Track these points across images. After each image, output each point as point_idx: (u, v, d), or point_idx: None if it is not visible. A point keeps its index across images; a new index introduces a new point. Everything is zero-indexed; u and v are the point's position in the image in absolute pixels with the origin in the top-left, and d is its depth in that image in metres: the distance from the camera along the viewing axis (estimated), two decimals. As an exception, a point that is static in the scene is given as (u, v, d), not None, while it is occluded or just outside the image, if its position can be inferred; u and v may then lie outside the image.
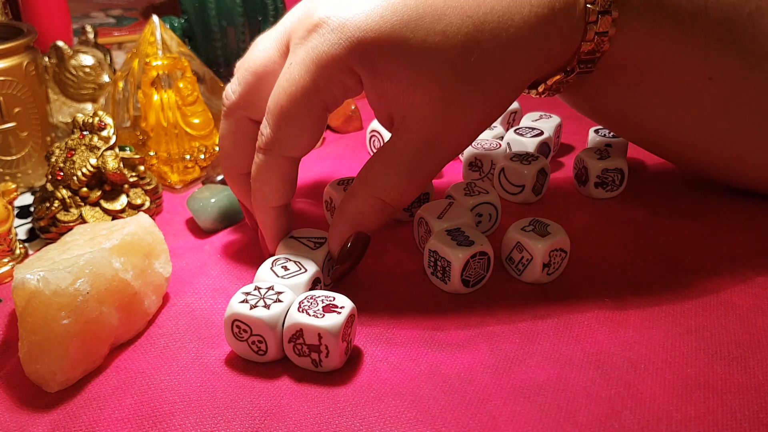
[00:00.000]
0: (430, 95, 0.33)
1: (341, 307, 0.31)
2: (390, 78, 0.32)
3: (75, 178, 0.42)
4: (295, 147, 0.34)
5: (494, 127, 0.50)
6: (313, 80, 0.32)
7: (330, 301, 0.31)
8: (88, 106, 0.55)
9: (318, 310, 0.31)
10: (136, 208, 0.44)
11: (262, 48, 0.36)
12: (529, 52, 0.34)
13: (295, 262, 0.35)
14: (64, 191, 0.42)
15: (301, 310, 0.31)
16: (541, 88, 0.38)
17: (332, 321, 0.30)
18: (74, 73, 0.54)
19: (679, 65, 0.37)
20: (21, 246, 0.42)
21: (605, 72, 0.37)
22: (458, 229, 0.37)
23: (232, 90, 0.37)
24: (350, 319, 0.31)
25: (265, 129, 0.34)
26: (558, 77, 0.37)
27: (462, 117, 0.34)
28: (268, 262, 0.35)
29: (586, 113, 0.44)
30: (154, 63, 0.49)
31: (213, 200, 0.43)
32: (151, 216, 0.44)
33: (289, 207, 0.37)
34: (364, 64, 0.32)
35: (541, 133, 0.49)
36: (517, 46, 0.33)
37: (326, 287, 0.36)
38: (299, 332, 0.30)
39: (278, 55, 0.35)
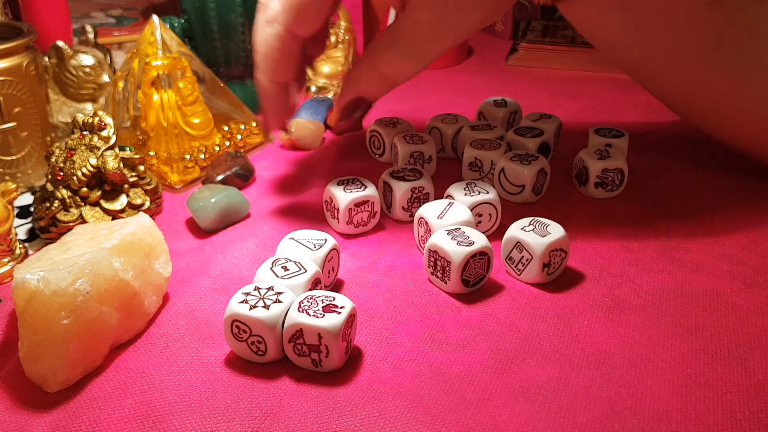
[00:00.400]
0: None
1: (341, 307, 0.31)
2: None
3: (75, 178, 0.42)
4: (304, 24, 0.36)
5: (494, 127, 0.50)
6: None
7: (330, 301, 0.31)
8: (88, 106, 0.55)
9: (318, 310, 0.31)
10: (136, 208, 0.44)
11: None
12: None
13: (295, 262, 0.35)
14: (64, 191, 0.42)
15: (301, 310, 0.31)
16: None
17: (332, 321, 0.30)
18: (74, 73, 0.54)
19: None
20: (21, 246, 0.42)
21: None
22: (458, 229, 0.37)
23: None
24: (350, 319, 0.31)
25: (273, 2, 0.36)
26: None
27: (462, 4, 0.35)
28: (268, 262, 0.35)
29: (584, 33, 0.45)
30: (154, 63, 0.49)
31: (213, 200, 0.43)
32: (151, 216, 0.44)
33: (292, 90, 0.40)
34: None
35: (541, 133, 0.49)
36: None
37: (326, 288, 0.36)
38: (299, 332, 0.30)
39: None
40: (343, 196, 0.41)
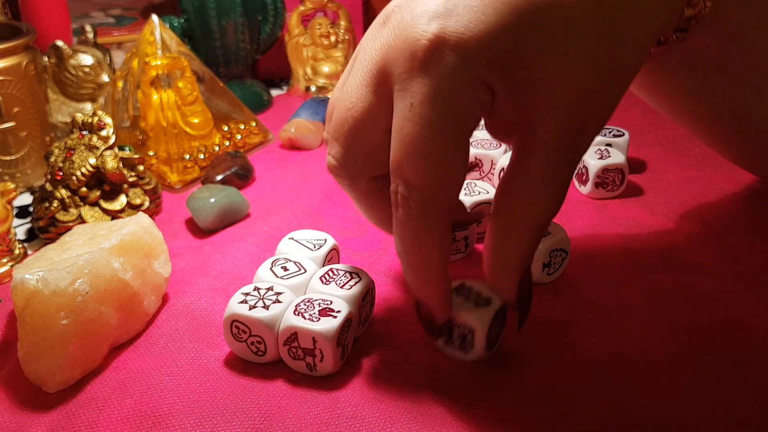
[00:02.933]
0: (577, 69, 0.27)
1: (337, 312, 0.31)
2: (526, 74, 0.27)
3: (74, 177, 0.42)
4: (451, 192, 0.28)
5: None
6: (452, 113, 0.27)
7: (327, 305, 0.31)
8: (88, 106, 0.55)
9: (314, 313, 0.30)
10: (135, 208, 0.44)
11: (355, 96, 0.29)
12: (660, 7, 0.28)
13: (294, 262, 0.35)
14: (63, 191, 0.42)
15: (297, 313, 0.30)
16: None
17: (327, 325, 0.30)
18: (73, 72, 0.54)
19: (764, 44, 0.34)
20: (20, 246, 0.41)
21: (689, 48, 0.34)
22: (462, 285, 0.31)
23: (335, 158, 0.31)
24: (346, 324, 0.31)
25: (408, 189, 0.28)
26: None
27: (608, 85, 0.28)
28: (268, 262, 0.35)
29: (645, 93, 0.41)
30: (153, 63, 0.48)
31: (212, 200, 0.43)
32: (150, 216, 0.44)
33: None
34: (496, 71, 0.26)
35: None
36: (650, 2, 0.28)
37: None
38: (294, 335, 0.30)
39: (377, 98, 0.29)
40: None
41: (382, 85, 0.28)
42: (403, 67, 0.27)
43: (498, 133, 0.30)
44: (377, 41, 0.28)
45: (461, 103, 0.27)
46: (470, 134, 0.28)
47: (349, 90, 0.30)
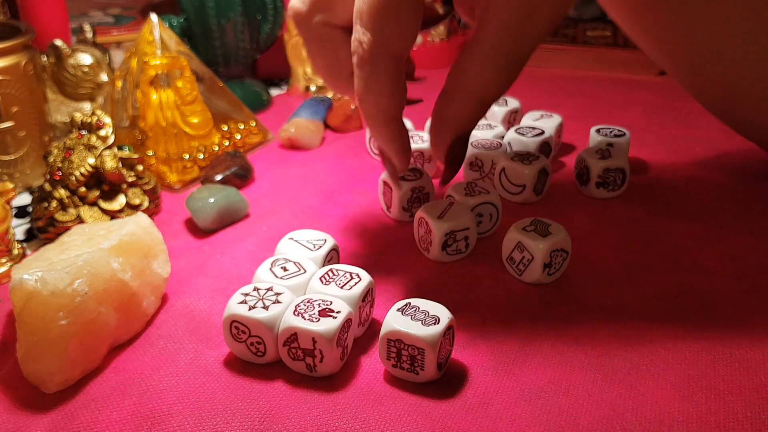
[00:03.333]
0: None
1: (337, 312, 0.30)
2: None
3: (73, 177, 0.42)
4: (401, 42, 0.32)
5: (495, 126, 0.50)
6: None
7: (326, 305, 0.31)
8: (87, 106, 0.55)
9: (314, 314, 0.30)
10: (134, 207, 0.44)
11: None
12: None
13: (294, 263, 0.35)
14: (62, 191, 0.42)
15: (296, 313, 0.30)
16: None
17: (327, 326, 0.30)
18: (72, 72, 0.54)
19: None
20: (19, 246, 0.41)
21: None
22: (408, 304, 0.31)
23: (295, 2, 0.35)
24: (346, 325, 0.31)
25: (362, 35, 0.32)
26: None
27: None
28: (267, 262, 0.35)
29: (625, 26, 0.42)
30: (152, 62, 0.48)
31: (212, 200, 0.43)
32: (149, 216, 0.44)
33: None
34: None
35: (542, 132, 0.49)
36: None
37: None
38: (293, 336, 0.30)
39: None
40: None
41: None
42: None
43: (461, 7, 0.33)
44: None
45: None
46: None
47: None
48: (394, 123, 0.34)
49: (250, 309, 0.31)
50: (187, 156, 0.49)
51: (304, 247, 0.36)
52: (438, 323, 0.30)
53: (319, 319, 0.30)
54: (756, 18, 0.36)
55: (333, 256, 0.37)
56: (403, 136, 0.34)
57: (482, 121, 0.52)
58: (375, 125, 0.34)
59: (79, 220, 0.42)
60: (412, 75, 0.39)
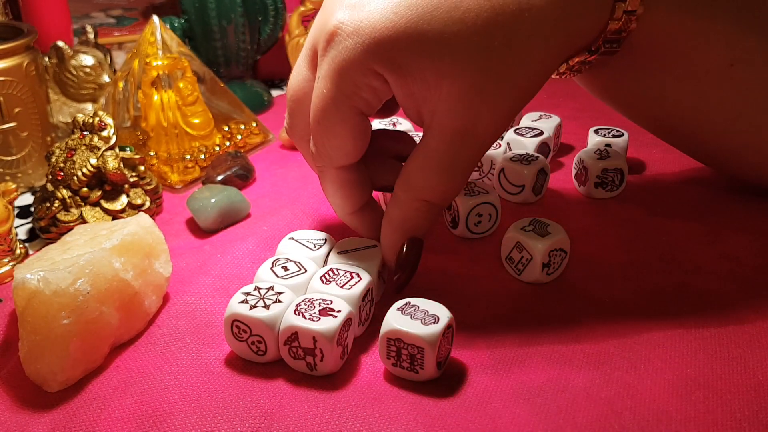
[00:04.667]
0: (457, 86, 0.32)
1: (338, 311, 0.31)
2: (414, 74, 0.32)
3: (75, 178, 0.42)
4: (341, 157, 0.34)
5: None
6: (339, 89, 0.32)
7: (327, 304, 0.31)
8: (89, 106, 0.55)
9: (314, 313, 0.30)
10: (136, 208, 0.44)
11: (296, 71, 0.36)
12: (555, 32, 0.32)
13: (295, 262, 0.35)
14: (64, 191, 0.42)
15: (297, 312, 0.31)
16: (562, 68, 0.38)
17: (328, 325, 0.30)
18: (74, 73, 0.54)
19: (702, 49, 0.36)
20: (21, 246, 0.42)
21: (627, 53, 0.36)
22: (408, 303, 0.31)
23: (286, 125, 0.38)
24: (347, 324, 0.31)
25: (312, 147, 0.35)
26: (581, 57, 0.36)
27: (492, 104, 0.32)
28: (268, 262, 0.35)
29: (601, 96, 0.43)
30: (154, 63, 0.49)
31: (213, 200, 0.43)
32: (151, 216, 0.44)
33: (370, 204, 0.38)
34: (385, 63, 0.31)
35: (541, 133, 0.49)
36: (541, 27, 0.32)
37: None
38: (294, 335, 0.30)
39: (310, 72, 0.35)
40: None
41: (312, 62, 0.35)
42: (320, 48, 0.33)
43: (407, 114, 0.34)
44: (315, 26, 0.35)
45: (350, 83, 0.32)
46: (361, 112, 0.33)
47: (295, 67, 0.37)
48: (351, 217, 0.37)
49: (251, 308, 0.31)
50: (188, 156, 0.49)
51: (304, 246, 0.36)
52: (437, 322, 0.30)
53: (319, 319, 0.30)
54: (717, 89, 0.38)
55: (333, 256, 0.37)
56: (366, 224, 0.37)
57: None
58: (342, 217, 0.38)
59: (81, 220, 0.42)
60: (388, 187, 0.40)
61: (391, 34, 0.31)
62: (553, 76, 0.37)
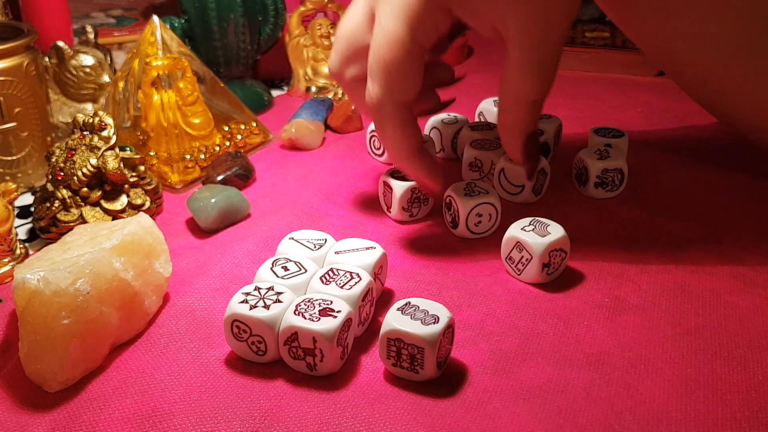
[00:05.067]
0: None
1: (338, 312, 0.31)
2: None
3: (75, 178, 0.42)
4: (406, 92, 0.37)
5: (494, 127, 0.50)
6: (407, 25, 0.35)
7: (327, 304, 0.31)
8: (89, 106, 0.55)
9: (314, 313, 0.30)
10: (136, 208, 0.44)
11: (351, 16, 0.39)
12: None
13: (295, 262, 0.35)
14: (64, 191, 0.42)
15: (297, 312, 0.31)
16: None
17: (327, 325, 0.30)
18: (74, 73, 0.54)
19: None
20: (21, 246, 0.42)
21: None
22: (408, 303, 0.31)
23: (332, 62, 0.41)
24: (347, 324, 0.31)
25: (372, 86, 0.37)
26: None
27: (556, 3, 0.35)
28: (268, 262, 0.35)
29: (611, 13, 0.45)
30: (154, 63, 0.49)
31: (213, 200, 0.43)
32: (151, 216, 0.44)
33: (425, 145, 0.40)
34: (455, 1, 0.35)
35: (541, 133, 0.49)
36: None
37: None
38: (294, 335, 0.30)
39: (365, 18, 0.38)
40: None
41: (368, 9, 0.38)
42: None
43: (482, 28, 0.37)
44: None
45: (415, 19, 0.35)
46: (423, 47, 0.36)
47: (347, 13, 0.40)
48: (413, 157, 0.39)
49: (251, 308, 0.31)
50: (188, 156, 0.49)
51: (304, 246, 0.36)
52: (437, 322, 0.30)
53: (319, 319, 0.30)
54: (728, 25, 0.39)
55: (333, 256, 0.37)
56: (425, 166, 0.39)
57: (482, 122, 0.52)
58: (397, 161, 0.40)
59: (81, 220, 0.42)
60: (452, 80, 0.45)
61: None
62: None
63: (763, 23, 0.38)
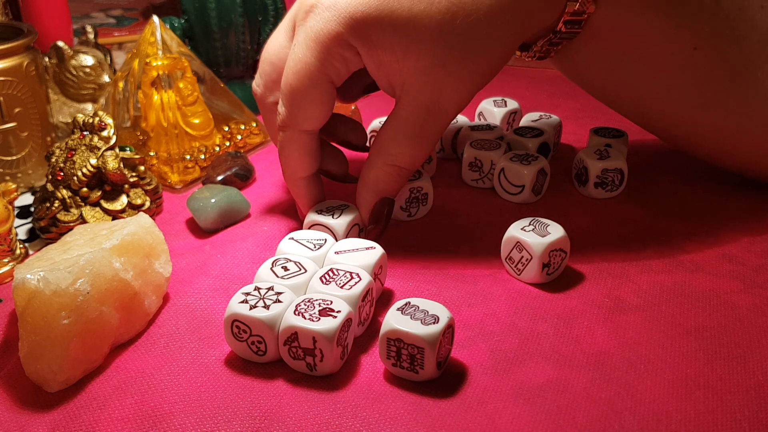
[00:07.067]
0: (423, 61, 0.35)
1: (337, 312, 0.31)
2: (384, 47, 0.35)
3: (75, 178, 0.42)
4: (308, 120, 0.37)
5: (494, 127, 0.50)
6: (315, 56, 0.35)
7: (327, 305, 0.31)
8: (89, 107, 0.55)
9: (314, 313, 0.30)
10: (136, 208, 0.44)
11: (275, 38, 0.40)
12: (514, 12, 0.35)
13: (295, 262, 0.35)
14: (64, 191, 0.42)
15: (297, 313, 0.31)
16: (531, 53, 0.40)
17: (327, 325, 0.30)
18: (74, 73, 0.54)
19: (665, 33, 0.38)
20: (21, 246, 0.42)
21: (591, 37, 0.39)
22: (408, 303, 0.31)
23: (256, 84, 0.41)
24: (347, 324, 0.31)
25: (280, 108, 0.38)
26: (545, 39, 0.39)
27: (455, 79, 0.36)
28: (268, 262, 0.35)
29: (575, 80, 0.46)
30: (154, 63, 0.49)
31: (213, 200, 0.43)
32: (151, 216, 0.44)
33: (317, 176, 0.41)
34: (358, 36, 0.35)
35: (541, 133, 0.49)
36: (502, 8, 0.35)
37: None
38: (294, 335, 0.30)
39: (287, 41, 0.39)
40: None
41: (290, 32, 0.39)
42: (299, 20, 0.37)
43: (379, 85, 0.38)
44: (295, 4, 0.38)
45: (324, 51, 0.35)
46: (331, 81, 0.36)
47: (273, 35, 0.40)
48: (301, 182, 0.40)
49: (251, 308, 0.31)
50: (188, 156, 0.49)
51: (304, 247, 0.36)
52: (437, 322, 0.30)
53: (319, 319, 0.30)
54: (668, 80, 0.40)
55: (333, 256, 0.37)
56: (308, 193, 0.40)
57: (482, 122, 0.52)
58: (286, 180, 0.40)
59: (81, 220, 0.42)
60: (364, 146, 0.45)
61: (364, 10, 0.34)
62: (525, 59, 0.41)
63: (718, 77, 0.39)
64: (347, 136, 0.44)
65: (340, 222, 0.39)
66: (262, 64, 0.41)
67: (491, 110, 0.54)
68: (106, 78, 0.55)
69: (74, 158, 0.42)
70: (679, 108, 0.41)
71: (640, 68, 0.40)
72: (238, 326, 0.31)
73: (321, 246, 0.36)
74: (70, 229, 0.40)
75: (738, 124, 0.41)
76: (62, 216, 0.42)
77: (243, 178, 0.48)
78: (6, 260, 0.40)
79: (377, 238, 0.39)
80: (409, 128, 0.37)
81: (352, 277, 0.33)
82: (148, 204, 0.45)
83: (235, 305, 0.31)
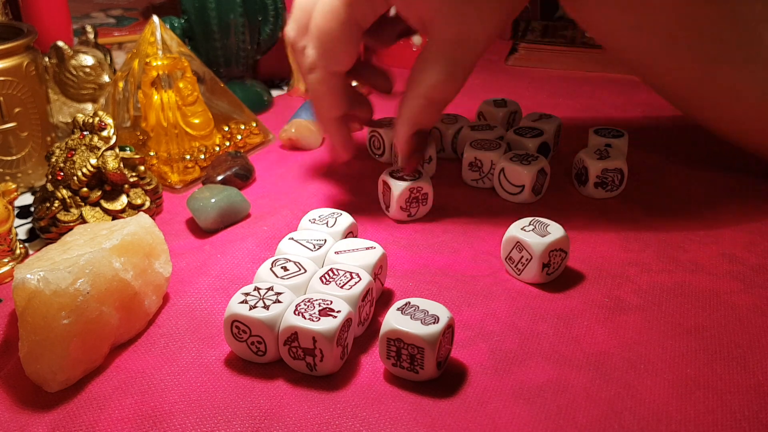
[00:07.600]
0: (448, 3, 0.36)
1: (337, 312, 0.31)
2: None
3: (75, 178, 0.42)
4: (336, 62, 0.39)
5: (494, 127, 0.50)
6: (348, 4, 0.37)
7: (327, 305, 0.31)
8: (89, 106, 0.55)
9: (314, 313, 0.30)
10: (136, 208, 0.44)
11: None
12: None
13: (295, 262, 0.35)
14: (64, 191, 0.42)
15: (297, 313, 0.31)
16: None
17: (327, 325, 0.30)
18: (74, 73, 0.54)
19: None
20: (21, 246, 0.42)
21: None
22: (408, 303, 0.31)
23: (289, 28, 0.42)
24: (347, 324, 0.31)
25: (309, 50, 0.39)
26: None
27: (480, 11, 0.37)
28: (268, 262, 0.35)
29: (587, 29, 0.47)
30: (154, 63, 0.49)
31: (213, 200, 0.43)
32: (151, 216, 0.44)
33: (347, 120, 0.43)
34: None
35: (541, 133, 0.49)
36: None
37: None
38: (294, 335, 0.30)
39: None
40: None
41: None
42: None
43: (410, 22, 0.39)
44: None
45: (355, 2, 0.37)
46: (358, 23, 0.38)
47: None
48: (334, 122, 0.42)
49: (250, 309, 0.31)
50: (188, 156, 0.49)
51: (304, 247, 0.36)
52: (437, 322, 0.30)
53: (319, 319, 0.30)
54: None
55: (333, 256, 0.37)
56: (340, 134, 0.43)
57: (482, 122, 0.52)
58: (319, 122, 0.42)
59: (81, 220, 0.42)
60: (389, 89, 0.47)
61: None
62: None
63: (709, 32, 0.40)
64: (375, 80, 0.45)
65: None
66: (294, 9, 0.42)
67: (491, 110, 0.54)
68: (106, 78, 0.55)
69: (74, 158, 0.42)
70: (684, 62, 0.42)
71: (652, 20, 0.40)
72: (238, 326, 0.31)
73: (321, 246, 0.36)
74: (70, 229, 0.40)
75: (742, 84, 0.41)
76: (62, 216, 0.42)
77: (243, 178, 0.48)
78: (6, 260, 0.40)
79: (413, 173, 0.42)
80: (440, 61, 0.38)
81: (352, 277, 0.33)
82: (148, 204, 0.45)
83: (235, 305, 0.31)
